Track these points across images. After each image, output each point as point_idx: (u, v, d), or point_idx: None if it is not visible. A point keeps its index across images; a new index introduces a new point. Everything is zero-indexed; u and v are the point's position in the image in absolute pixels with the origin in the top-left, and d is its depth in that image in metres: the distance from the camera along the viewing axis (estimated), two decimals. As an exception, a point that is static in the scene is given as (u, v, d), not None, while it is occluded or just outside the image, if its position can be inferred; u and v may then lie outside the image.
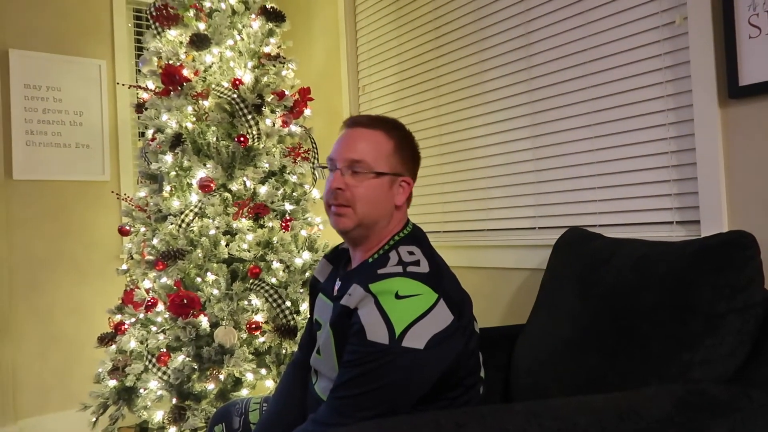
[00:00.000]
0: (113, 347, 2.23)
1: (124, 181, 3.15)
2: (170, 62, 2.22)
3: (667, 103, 1.60)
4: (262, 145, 2.27)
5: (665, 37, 1.60)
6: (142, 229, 2.31)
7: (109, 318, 2.30)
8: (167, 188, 2.24)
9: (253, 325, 2.07)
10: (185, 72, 2.20)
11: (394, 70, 2.60)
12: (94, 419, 2.22)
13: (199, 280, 2.12)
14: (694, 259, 1.16)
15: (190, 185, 2.21)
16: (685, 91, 1.55)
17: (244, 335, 2.08)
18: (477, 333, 1.21)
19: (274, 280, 2.17)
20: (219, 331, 2.00)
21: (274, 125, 2.31)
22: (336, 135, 1.25)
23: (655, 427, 0.94)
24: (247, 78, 2.30)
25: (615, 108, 1.73)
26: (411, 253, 1.15)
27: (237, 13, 2.36)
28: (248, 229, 2.20)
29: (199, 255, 2.10)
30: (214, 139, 2.25)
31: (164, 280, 2.10)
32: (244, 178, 2.23)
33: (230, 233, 2.19)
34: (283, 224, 2.26)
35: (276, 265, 2.19)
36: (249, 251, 2.17)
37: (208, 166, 2.17)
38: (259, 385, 2.13)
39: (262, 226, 2.26)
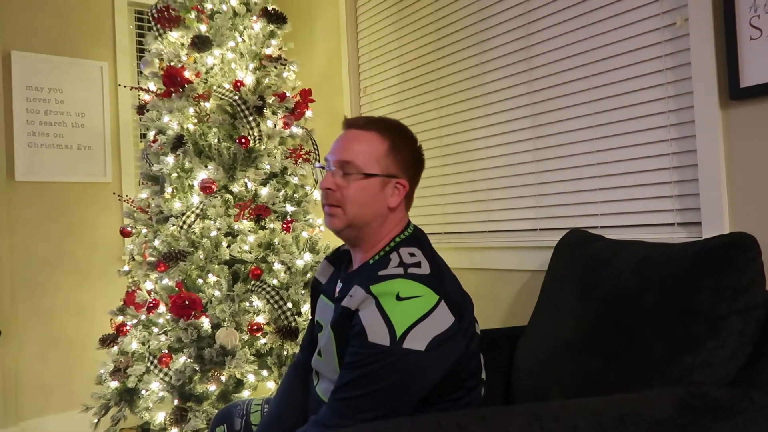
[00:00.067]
0: (115, 348, 2.23)
1: (125, 183, 3.16)
2: (172, 64, 2.23)
3: (668, 104, 1.60)
4: (263, 147, 2.28)
5: (666, 39, 1.60)
6: (144, 231, 2.31)
7: (111, 319, 2.30)
8: (169, 190, 2.24)
9: (255, 327, 2.07)
10: (187, 74, 2.20)
11: (396, 71, 2.60)
12: (96, 420, 2.22)
13: (200, 281, 2.12)
14: (696, 261, 1.16)
15: (191, 187, 2.21)
16: (687, 92, 1.55)
17: (246, 337, 2.08)
18: (478, 334, 1.21)
19: (275, 282, 2.18)
20: (220, 333, 2.00)
21: (275, 127, 2.31)
22: (337, 136, 1.26)
23: (657, 429, 0.94)
24: (249, 80, 2.30)
25: (616, 109, 1.73)
26: (412, 254, 1.14)
27: (238, 15, 2.36)
28: (249, 231, 2.20)
29: (201, 256, 2.10)
30: (216, 140, 2.25)
31: (166, 281, 2.10)
32: (246, 180, 2.23)
33: (231, 235, 2.19)
34: (285, 226, 2.26)
35: (277, 266, 2.19)
36: (250, 253, 2.17)
37: (209, 167, 2.17)
38: (261, 386, 2.13)
39: (263, 228, 2.26)
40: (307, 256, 2.26)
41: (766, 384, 1.04)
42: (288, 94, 2.36)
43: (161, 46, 2.30)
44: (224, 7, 2.34)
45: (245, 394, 2.07)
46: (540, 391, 1.38)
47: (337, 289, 1.24)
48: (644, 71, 1.65)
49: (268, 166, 2.25)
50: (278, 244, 2.22)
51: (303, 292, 2.20)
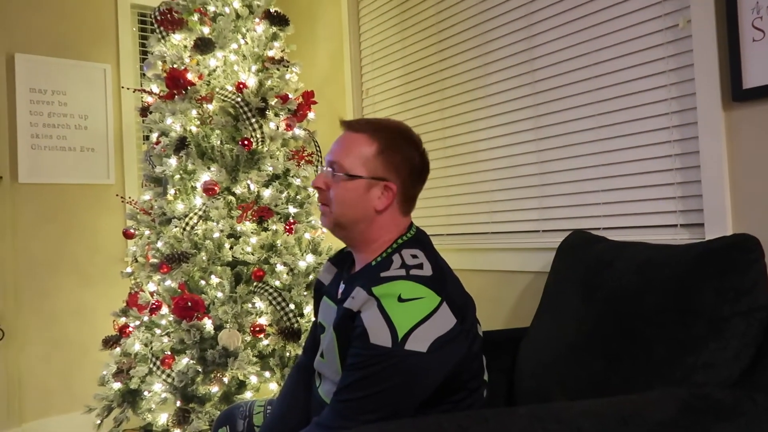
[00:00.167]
0: (118, 350, 2.24)
1: (128, 185, 3.16)
2: (175, 66, 2.23)
3: (671, 106, 1.60)
4: (265, 149, 2.28)
5: (669, 41, 1.60)
6: (147, 232, 2.32)
7: (114, 321, 2.31)
8: (171, 191, 2.24)
9: (257, 328, 2.07)
10: (189, 76, 2.21)
11: (398, 73, 2.60)
12: (99, 422, 2.23)
13: (203, 283, 2.13)
14: (698, 263, 1.16)
15: (194, 188, 2.22)
16: (689, 94, 1.55)
17: (248, 338, 2.09)
18: (480, 336, 1.21)
19: (277, 283, 2.18)
20: (223, 334, 2.00)
21: (277, 128, 2.31)
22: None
23: (659, 430, 0.94)
24: (251, 81, 2.31)
25: (619, 111, 1.73)
26: (414, 256, 1.14)
27: (241, 17, 2.37)
28: (252, 232, 2.21)
29: (204, 258, 2.11)
30: (218, 142, 2.26)
31: (168, 283, 2.10)
32: (248, 182, 2.24)
33: (234, 236, 2.20)
34: (287, 227, 2.26)
35: (280, 268, 2.19)
36: (253, 254, 2.18)
37: (212, 169, 2.18)
38: (263, 387, 2.13)
39: (265, 229, 2.26)
40: (310, 258, 2.27)
41: (769, 386, 1.04)
42: (290, 96, 2.36)
43: (164, 49, 2.31)
44: (227, 10, 2.34)
45: (248, 395, 2.07)
46: (542, 392, 1.38)
47: (340, 291, 1.24)
48: (647, 73, 1.65)
49: (270, 168, 2.26)
50: (281, 245, 2.23)
51: (305, 293, 2.20)
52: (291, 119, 2.34)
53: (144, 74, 2.45)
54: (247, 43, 2.38)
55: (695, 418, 0.97)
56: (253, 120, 2.22)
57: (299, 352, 2.10)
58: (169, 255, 2.07)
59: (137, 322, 2.21)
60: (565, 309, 1.44)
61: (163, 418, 2.10)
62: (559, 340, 1.41)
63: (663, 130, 1.62)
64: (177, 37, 2.32)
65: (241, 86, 2.26)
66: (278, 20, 2.41)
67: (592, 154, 1.81)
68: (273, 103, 2.31)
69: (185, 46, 2.31)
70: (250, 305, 2.11)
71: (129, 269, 2.37)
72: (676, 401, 0.98)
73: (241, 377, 2.05)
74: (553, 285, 1.60)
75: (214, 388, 2.00)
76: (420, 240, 1.22)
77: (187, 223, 2.11)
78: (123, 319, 2.27)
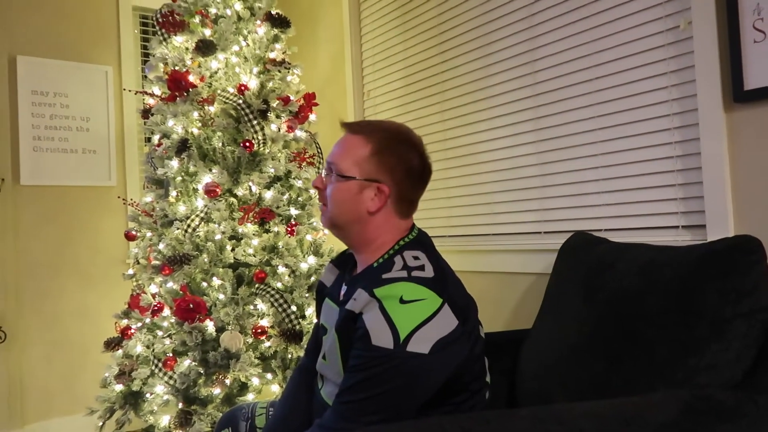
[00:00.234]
0: (120, 352, 2.24)
1: (130, 187, 3.17)
2: (176, 68, 2.24)
3: (672, 107, 1.60)
4: (267, 150, 2.28)
5: (670, 42, 1.60)
6: (149, 234, 2.32)
7: (116, 323, 2.31)
8: (173, 193, 2.25)
9: (259, 330, 2.07)
10: (191, 78, 2.21)
11: (399, 75, 2.61)
12: (101, 423, 2.23)
13: (205, 284, 2.13)
14: (700, 264, 1.16)
15: (195, 190, 2.22)
16: (690, 95, 1.55)
17: (250, 340, 2.09)
18: (482, 338, 1.21)
19: (279, 285, 2.18)
20: (225, 336, 2.00)
21: (279, 130, 2.31)
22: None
23: (661, 432, 0.94)
24: (253, 83, 2.31)
25: (620, 112, 1.73)
26: (416, 257, 1.15)
27: (242, 19, 2.37)
28: (254, 234, 2.21)
29: (205, 260, 2.11)
30: (220, 144, 2.26)
31: (170, 284, 2.10)
32: (250, 183, 2.24)
33: (236, 238, 2.20)
34: (289, 229, 2.26)
35: (281, 269, 2.20)
36: (254, 256, 2.18)
37: (213, 171, 2.18)
38: (265, 389, 2.14)
39: (267, 231, 2.27)
40: (311, 260, 2.27)
41: (771, 387, 1.04)
42: (292, 98, 2.37)
43: (166, 51, 2.32)
44: (228, 12, 2.35)
45: (250, 397, 2.07)
46: (544, 394, 1.38)
47: (342, 293, 1.24)
48: (648, 74, 1.65)
49: (272, 170, 2.26)
50: (282, 247, 2.23)
51: (307, 295, 2.20)
52: (292, 121, 2.34)
53: (146, 76, 2.46)
54: (248, 45, 2.38)
55: (697, 419, 0.97)
56: (255, 122, 2.22)
57: (301, 354, 2.10)
58: (170, 257, 2.07)
59: (139, 324, 2.22)
60: (567, 310, 1.44)
61: (165, 420, 2.10)
62: (561, 341, 1.41)
63: (664, 132, 1.62)
64: (179, 39, 2.32)
65: (243, 88, 2.26)
66: (279, 22, 2.42)
67: (593, 155, 1.81)
68: (274, 105, 2.31)
69: (187, 48, 2.32)
70: (251, 307, 2.12)
71: (131, 271, 2.38)
72: (678, 403, 0.98)
73: (243, 379, 2.05)
74: (554, 286, 1.60)
75: (216, 390, 2.00)
76: (422, 242, 1.22)
77: (188, 225, 2.12)
78: (125, 321, 2.27)
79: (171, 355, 2.05)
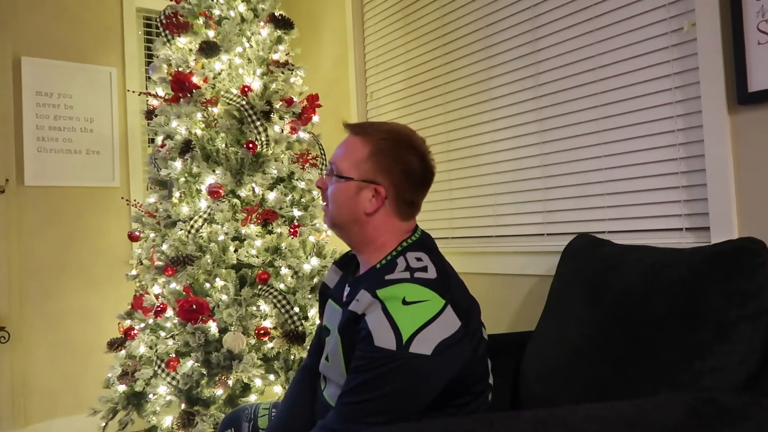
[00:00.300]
0: (123, 352, 2.24)
1: (133, 187, 3.17)
2: (180, 69, 2.24)
3: (676, 109, 1.60)
4: (270, 152, 2.28)
5: (674, 44, 1.60)
6: (152, 235, 2.32)
7: (119, 323, 2.32)
8: (176, 194, 2.25)
9: (262, 331, 2.07)
10: (195, 79, 2.22)
11: (402, 76, 2.61)
12: (104, 424, 2.23)
13: (208, 285, 2.13)
14: (704, 266, 1.16)
15: (199, 191, 2.22)
16: (694, 97, 1.55)
17: (253, 341, 2.09)
18: (485, 339, 1.21)
19: (282, 286, 2.18)
20: (228, 337, 2.00)
21: (282, 132, 2.32)
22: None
23: (665, 435, 0.93)
24: (256, 85, 2.32)
25: (623, 114, 1.72)
26: (419, 259, 1.14)
27: (246, 21, 2.38)
28: (257, 235, 2.21)
29: (208, 261, 2.11)
30: (223, 145, 2.26)
31: (173, 285, 2.11)
32: (253, 185, 2.24)
33: (239, 239, 2.20)
34: (292, 230, 2.26)
35: (284, 270, 2.20)
36: (257, 257, 2.18)
37: (217, 172, 2.18)
38: (268, 390, 2.14)
39: (270, 232, 2.27)
40: (314, 261, 2.27)
41: (775, 390, 1.03)
42: (295, 99, 2.37)
43: (169, 52, 2.32)
44: (232, 13, 2.35)
45: (252, 398, 2.07)
46: (547, 396, 1.38)
47: (345, 294, 1.24)
48: (651, 76, 1.65)
49: (275, 171, 2.26)
50: (285, 248, 2.23)
51: (310, 296, 2.20)
52: (295, 122, 2.34)
53: (149, 77, 2.46)
54: (252, 46, 2.39)
55: (702, 422, 0.96)
56: (258, 123, 2.22)
57: (304, 355, 2.10)
58: (174, 258, 2.07)
59: (142, 325, 2.22)
60: (571, 312, 1.44)
61: (167, 421, 2.10)
62: (565, 343, 1.40)
63: (668, 134, 1.62)
64: (182, 41, 2.33)
65: (246, 89, 2.26)
66: (283, 24, 2.42)
67: (596, 157, 1.81)
68: (278, 107, 2.31)
69: (190, 50, 2.32)
70: (254, 308, 2.12)
71: (134, 272, 2.38)
72: (682, 406, 0.98)
73: (245, 380, 2.05)
74: (558, 288, 1.59)
75: (219, 391, 2.00)
76: (425, 243, 1.22)
77: (192, 226, 2.12)
78: (128, 322, 2.27)
79: (174, 355, 2.05)
